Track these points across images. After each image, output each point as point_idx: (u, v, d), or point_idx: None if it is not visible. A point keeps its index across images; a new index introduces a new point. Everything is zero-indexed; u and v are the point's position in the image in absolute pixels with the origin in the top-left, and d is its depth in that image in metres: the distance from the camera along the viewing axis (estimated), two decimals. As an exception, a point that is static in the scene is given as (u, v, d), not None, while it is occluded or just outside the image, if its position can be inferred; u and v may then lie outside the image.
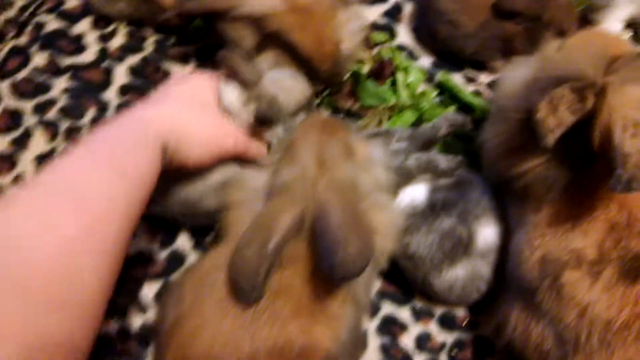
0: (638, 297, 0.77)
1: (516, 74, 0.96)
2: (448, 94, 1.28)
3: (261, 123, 1.01)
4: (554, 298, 0.84)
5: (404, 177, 1.05)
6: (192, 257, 1.15)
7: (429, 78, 1.32)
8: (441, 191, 1.03)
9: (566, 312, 0.82)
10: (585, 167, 0.82)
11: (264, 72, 1.02)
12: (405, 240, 1.01)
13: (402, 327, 1.08)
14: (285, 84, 1.04)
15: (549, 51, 0.92)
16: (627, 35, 1.36)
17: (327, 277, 0.80)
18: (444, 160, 1.05)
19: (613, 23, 1.32)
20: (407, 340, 1.07)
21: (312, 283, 0.82)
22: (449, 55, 1.33)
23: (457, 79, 1.31)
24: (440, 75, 1.29)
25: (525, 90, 0.88)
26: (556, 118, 0.74)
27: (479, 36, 1.25)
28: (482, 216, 1.00)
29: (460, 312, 1.09)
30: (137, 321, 1.08)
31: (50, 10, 1.41)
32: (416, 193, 1.04)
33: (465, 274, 1.00)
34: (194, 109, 0.92)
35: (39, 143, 1.26)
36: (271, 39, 1.13)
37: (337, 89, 1.29)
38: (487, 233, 1.00)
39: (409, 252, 1.01)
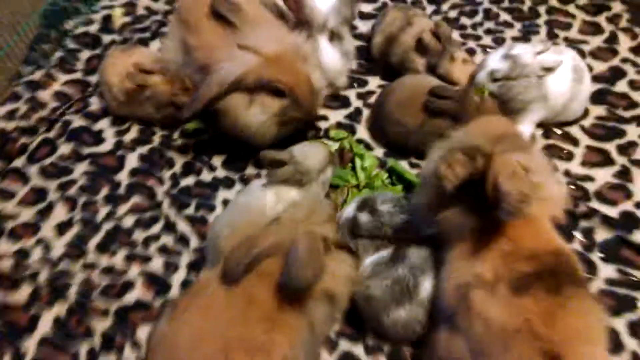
0: (525, 306, 1.00)
1: (434, 154, 1.26)
2: (396, 176, 1.59)
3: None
4: (467, 316, 1.06)
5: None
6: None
7: (382, 164, 1.64)
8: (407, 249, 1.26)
9: (475, 325, 1.04)
10: (484, 213, 1.08)
11: (292, 151, 1.37)
12: (366, 283, 1.23)
13: (357, 362, 1.28)
14: (308, 152, 1.37)
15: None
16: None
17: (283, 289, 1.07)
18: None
19: (526, 125, 1.64)
20: (361, 373, 1.26)
21: (277, 297, 1.07)
22: (397, 147, 1.66)
23: (403, 164, 1.62)
24: (390, 162, 1.61)
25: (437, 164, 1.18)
26: (452, 171, 1.03)
27: (420, 132, 1.58)
28: (427, 270, 1.23)
29: (405, 346, 1.28)
30: (131, 357, 1.28)
31: (76, 111, 1.75)
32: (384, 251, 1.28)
33: (406, 316, 1.22)
34: None
35: (60, 214, 1.53)
36: (256, 91, 1.43)
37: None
38: (427, 285, 1.23)
39: (369, 293, 1.22)
